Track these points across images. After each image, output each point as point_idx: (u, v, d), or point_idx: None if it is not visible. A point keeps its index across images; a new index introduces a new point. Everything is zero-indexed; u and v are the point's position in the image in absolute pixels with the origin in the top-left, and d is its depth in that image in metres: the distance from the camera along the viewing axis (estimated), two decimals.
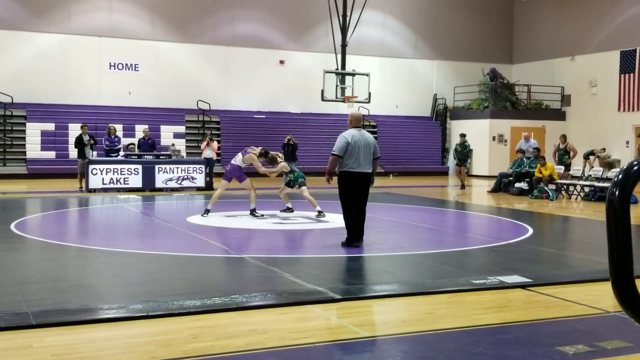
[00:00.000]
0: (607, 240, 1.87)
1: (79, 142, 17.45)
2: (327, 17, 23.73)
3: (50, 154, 22.49)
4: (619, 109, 25.19)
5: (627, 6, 25.26)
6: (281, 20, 26.52)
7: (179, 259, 7.53)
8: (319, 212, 11.38)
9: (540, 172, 17.33)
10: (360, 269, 7.44)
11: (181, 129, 24.46)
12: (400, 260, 7.75)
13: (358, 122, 8.65)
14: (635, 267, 1.92)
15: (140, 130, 21.26)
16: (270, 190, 14.84)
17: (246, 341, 4.40)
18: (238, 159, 11.56)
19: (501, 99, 27.28)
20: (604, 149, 24.63)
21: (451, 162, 26.74)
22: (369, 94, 22.86)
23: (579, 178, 17.69)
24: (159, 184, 17.43)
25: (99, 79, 24.08)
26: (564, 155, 18.46)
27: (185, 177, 17.76)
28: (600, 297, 5.73)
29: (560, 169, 17.99)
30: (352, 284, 6.24)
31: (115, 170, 16.99)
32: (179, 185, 17.64)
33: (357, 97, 22.66)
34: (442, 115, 29.14)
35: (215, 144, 19.28)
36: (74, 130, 20.57)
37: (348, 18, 23.65)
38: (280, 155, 12.41)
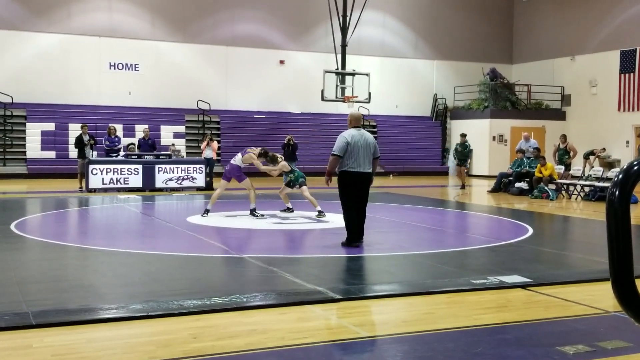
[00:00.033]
0: (607, 240, 1.86)
1: (79, 142, 17.45)
2: (327, 17, 23.73)
3: (50, 154, 22.49)
4: (619, 109, 25.19)
5: (627, 6, 25.26)
6: (281, 20, 26.52)
7: (179, 259, 7.53)
8: (320, 212, 11.38)
9: (540, 172, 17.33)
10: (360, 269, 7.44)
11: (181, 129, 24.46)
12: (400, 260, 7.75)
13: (358, 121, 8.64)
14: (635, 267, 1.92)
15: (140, 130, 21.26)
16: (270, 190, 14.84)
17: (246, 341, 4.40)
18: (237, 159, 11.56)
19: (501, 99, 27.28)
20: (604, 149, 24.63)
21: (451, 162, 26.75)
22: (369, 94, 22.86)
23: (579, 178, 17.69)
24: (159, 184, 17.43)
25: (99, 79, 24.08)
26: (564, 155, 18.46)
27: (185, 177, 17.76)
28: (600, 297, 5.73)
29: (560, 169, 18.00)
30: (352, 284, 6.24)
31: (115, 170, 16.99)
32: (179, 185, 17.64)
33: (357, 97, 22.66)
34: (442, 115, 29.14)
35: (215, 144, 19.28)
36: (74, 130, 20.57)
37: (348, 18, 23.64)
38: (280, 155, 12.41)
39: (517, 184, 18.10)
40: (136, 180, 17.21)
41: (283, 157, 12.44)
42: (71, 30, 23.63)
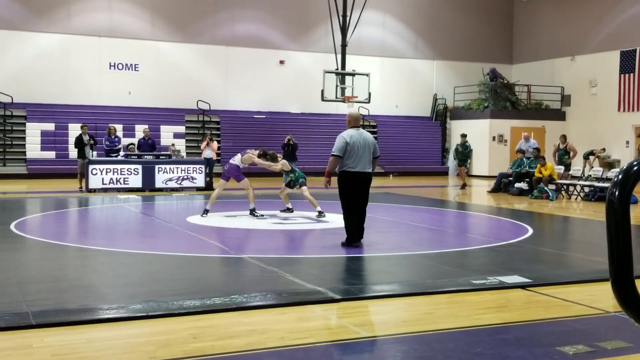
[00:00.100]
0: (607, 240, 1.86)
1: (79, 142, 17.45)
2: (327, 17, 23.73)
3: (50, 154, 22.49)
4: (619, 109, 25.19)
5: (627, 6, 25.26)
6: (281, 20, 26.52)
7: (179, 259, 7.53)
8: (320, 212, 11.38)
9: (540, 172, 17.33)
10: (360, 269, 7.44)
11: (181, 129, 24.46)
12: (400, 260, 7.75)
13: (356, 121, 8.63)
14: (635, 267, 1.92)
15: (140, 130, 21.26)
16: (270, 190, 14.85)
17: (246, 341, 4.40)
18: (237, 159, 11.56)
19: (501, 99, 27.27)
20: (604, 149, 24.63)
21: (451, 162, 26.75)
22: (369, 94, 22.87)
23: (579, 178, 17.69)
24: (158, 184, 17.43)
25: (99, 79, 24.08)
26: (563, 155, 18.46)
27: (185, 177, 17.76)
28: (600, 297, 5.73)
29: (560, 169, 18.00)
30: (352, 284, 6.24)
31: (115, 170, 16.99)
32: (178, 185, 17.64)
33: (357, 97, 22.66)
34: (442, 115, 29.14)
35: (215, 144, 19.28)
36: (74, 130, 20.57)
37: (348, 18, 23.65)
38: (279, 155, 12.42)
39: (517, 184, 18.10)
40: (136, 181, 17.21)
41: (282, 157, 12.45)
42: (71, 30, 23.63)
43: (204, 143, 18.90)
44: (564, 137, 19.09)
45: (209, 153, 18.59)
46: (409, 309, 5.46)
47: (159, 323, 4.81)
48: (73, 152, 19.26)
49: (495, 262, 7.65)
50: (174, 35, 25.01)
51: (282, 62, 26.45)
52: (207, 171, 18.16)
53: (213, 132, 23.99)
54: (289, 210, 12.16)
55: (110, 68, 24.19)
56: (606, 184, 15.73)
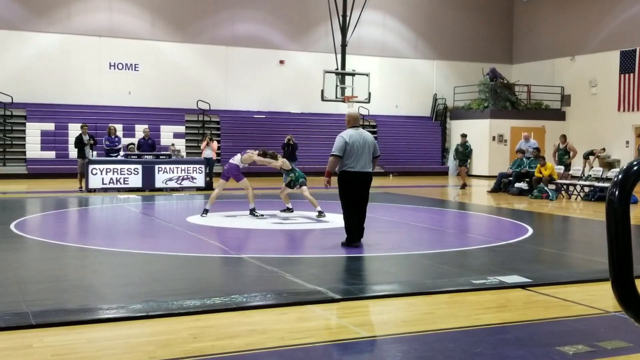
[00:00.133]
0: (607, 240, 1.86)
1: (79, 142, 17.45)
2: (327, 17, 23.73)
3: (50, 154, 22.49)
4: (618, 109, 25.19)
5: (627, 6, 25.26)
6: (281, 20, 26.52)
7: (179, 259, 7.52)
8: (320, 212, 11.37)
9: (540, 172, 17.33)
10: (360, 269, 7.44)
11: (181, 129, 24.46)
12: (400, 260, 7.75)
13: (356, 121, 8.63)
14: (635, 267, 1.92)
15: (140, 130, 21.26)
16: (270, 190, 14.85)
17: (246, 341, 4.40)
18: (237, 159, 11.56)
19: (501, 99, 27.27)
20: (604, 149, 24.63)
21: (451, 162, 26.75)
22: (369, 94, 22.86)
23: (579, 178, 17.69)
24: (158, 184, 17.43)
25: (99, 79, 24.08)
26: (563, 155, 18.46)
27: (185, 177, 17.76)
28: (600, 297, 5.73)
29: (560, 169, 17.99)
30: (352, 284, 6.24)
31: (115, 170, 16.99)
32: (178, 185, 17.64)
33: (357, 97, 22.66)
34: (442, 115, 29.14)
35: (215, 144, 19.28)
36: (74, 130, 20.56)
37: (348, 18, 23.64)
38: (279, 155, 12.42)
39: (517, 184, 18.10)
40: (136, 180, 17.21)
41: (282, 157, 12.45)
42: (71, 30, 23.63)
43: (204, 143, 18.91)
44: (563, 137, 19.09)
45: (208, 153, 18.60)
46: (409, 309, 5.46)
47: (159, 323, 4.81)
48: (73, 152, 19.26)
49: (495, 262, 7.65)
50: (174, 35, 25.01)
51: (282, 62, 26.45)
52: (207, 171, 18.16)
53: (213, 132, 23.99)
54: (289, 210, 12.16)
55: (110, 68, 24.19)
56: (606, 184, 15.73)
